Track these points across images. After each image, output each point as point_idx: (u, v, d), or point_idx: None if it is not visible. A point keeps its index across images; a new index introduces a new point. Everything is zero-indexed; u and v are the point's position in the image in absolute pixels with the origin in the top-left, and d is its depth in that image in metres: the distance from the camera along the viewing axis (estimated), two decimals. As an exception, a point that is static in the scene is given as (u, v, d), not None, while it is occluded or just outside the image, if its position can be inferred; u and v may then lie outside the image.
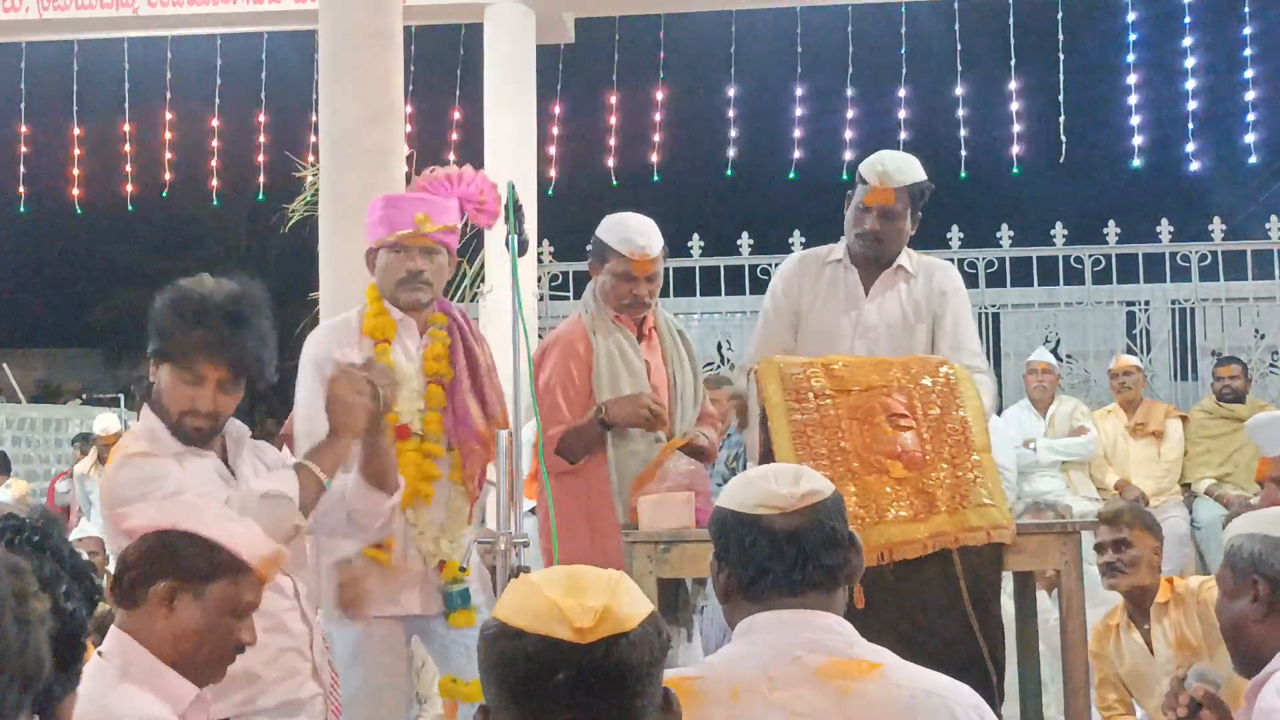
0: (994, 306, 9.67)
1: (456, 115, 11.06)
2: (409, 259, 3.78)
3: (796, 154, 10.97)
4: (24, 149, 11.92)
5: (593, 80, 11.40)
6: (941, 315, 4.08)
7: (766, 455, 3.41)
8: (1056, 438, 7.82)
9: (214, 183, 11.79)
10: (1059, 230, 9.61)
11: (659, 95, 11.11)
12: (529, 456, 4.43)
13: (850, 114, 10.83)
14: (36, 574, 1.39)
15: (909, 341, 4.00)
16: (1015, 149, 10.56)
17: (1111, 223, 9.56)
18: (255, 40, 11.14)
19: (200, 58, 11.35)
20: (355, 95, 6.69)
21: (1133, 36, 10.57)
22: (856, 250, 4.10)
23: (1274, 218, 9.46)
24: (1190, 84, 10.38)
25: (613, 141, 11.10)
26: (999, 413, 8.02)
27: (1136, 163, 10.53)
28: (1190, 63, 10.40)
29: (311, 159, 8.70)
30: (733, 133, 11.17)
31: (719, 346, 10.04)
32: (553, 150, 10.91)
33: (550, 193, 10.65)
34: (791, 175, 11.01)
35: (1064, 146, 10.45)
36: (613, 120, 11.10)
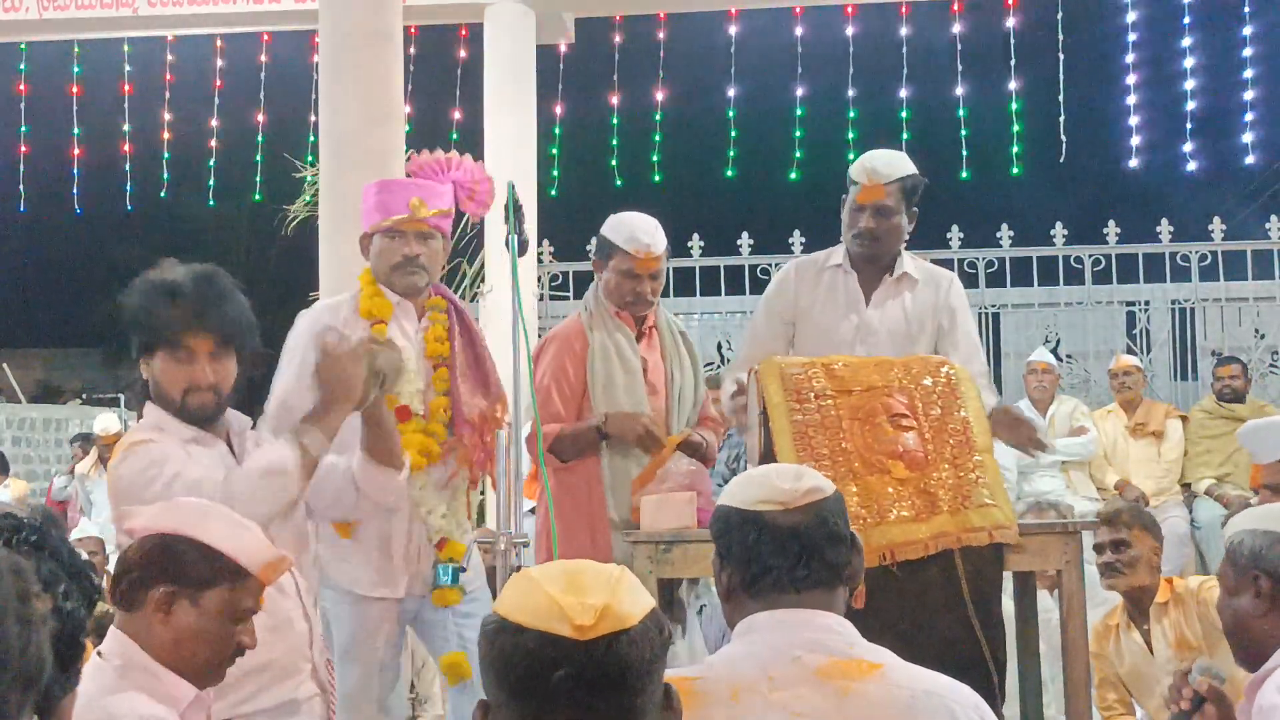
0: (994, 306, 9.67)
1: (456, 115, 11.06)
2: (404, 244, 3.79)
3: (797, 154, 10.98)
4: (24, 149, 11.92)
5: (593, 80, 11.40)
6: (949, 332, 4.08)
7: (767, 456, 3.41)
8: (1056, 438, 7.82)
9: (214, 183, 11.80)
10: (1059, 230, 9.60)
11: (659, 95, 11.11)
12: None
13: (850, 114, 10.83)
14: (36, 574, 1.39)
15: (910, 350, 4.00)
16: (1015, 149, 10.56)
17: (1111, 223, 9.56)
18: (255, 40, 11.14)
19: (200, 58, 11.36)
20: (355, 95, 6.69)
21: (1132, 36, 10.57)
22: (855, 252, 4.09)
23: (1274, 218, 9.46)
24: (1190, 84, 10.39)
25: (613, 141, 11.10)
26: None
27: (1136, 163, 10.54)
28: (1190, 63, 10.41)
29: (311, 159, 8.70)
30: (733, 133, 11.17)
31: (719, 346, 10.03)
32: (554, 151, 10.92)
33: (554, 193, 10.66)
34: (793, 176, 11.01)
35: (1064, 146, 10.46)
36: (613, 120, 11.11)
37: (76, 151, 11.89)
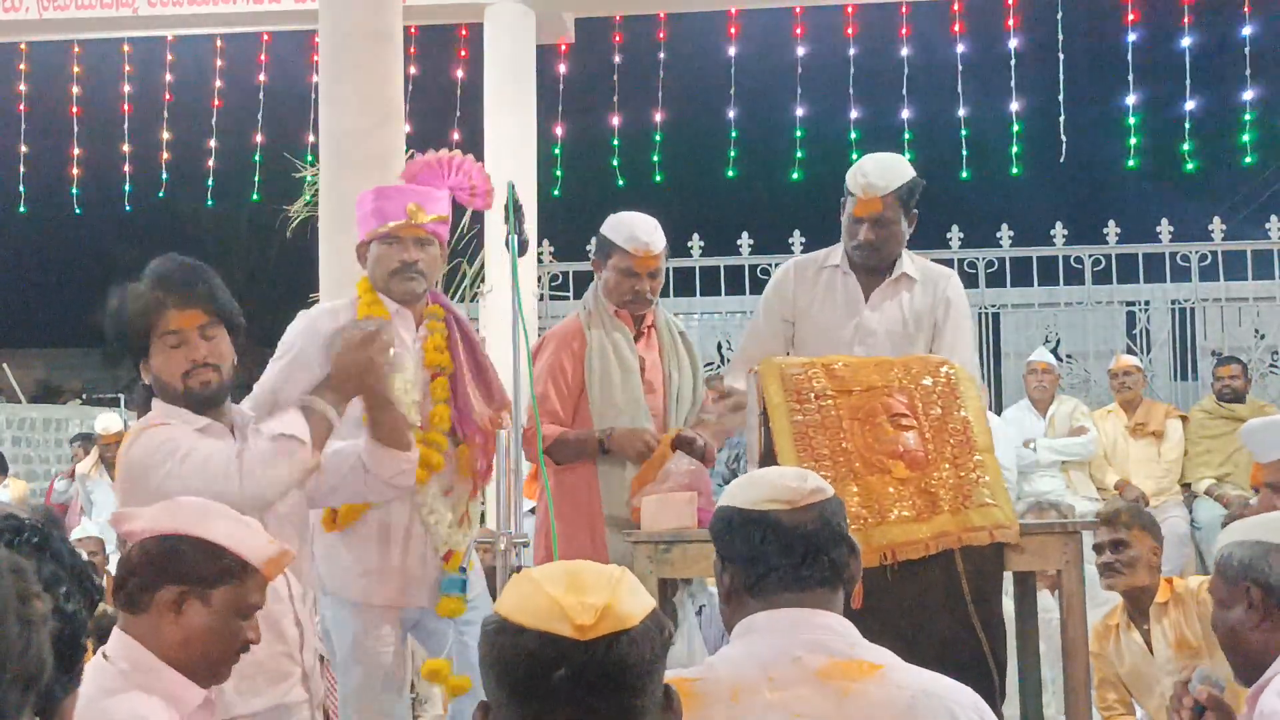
0: (994, 306, 9.67)
1: (456, 115, 11.06)
2: (402, 250, 3.78)
3: (798, 154, 10.98)
4: (24, 149, 11.92)
5: (593, 80, 11.40)
6: (941, 326, 4.07)
7: (767, 456, 3.41)
8: (1056, 438, 7.82)
9: (213, 183, 11.80)
10: (1059, 230, 9.61)
11: (659, 95, 11.12)
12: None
13: (850, 114, 10.83)
14: (37, 575, 1.39)
15: (908, 350, 3.99)
16: (1015, 149, 10.57)
17: (1111, 223, 9.57)
18: (255, 40, 11.14)
19: (200, 58, 11.36)
20: (355, 95, 6.69)
21: (1132, 36, 10.57)
22: (855, 259, 4.09)
23: (1274, 218, 9.46)
24: (1190, 84, 10.39)
25: (614, 142, 11.11)
26: (998, 414, 8.03)
27: (1136, 162, 10.54)
28: (1190, 62, 10.40)
29: (311, 159, 8.71)
30: (733, 133, 11.17)
31: (719, 346, 10.04)
32: (557, 151, 10.93)
33: (557, 193, 10.66)
34: (796, 176, 11.01)
35: (1064, 146, 10.46)
36: (613, 120, 11.11)
37: (76, 151, 11.89)
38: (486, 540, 4.15)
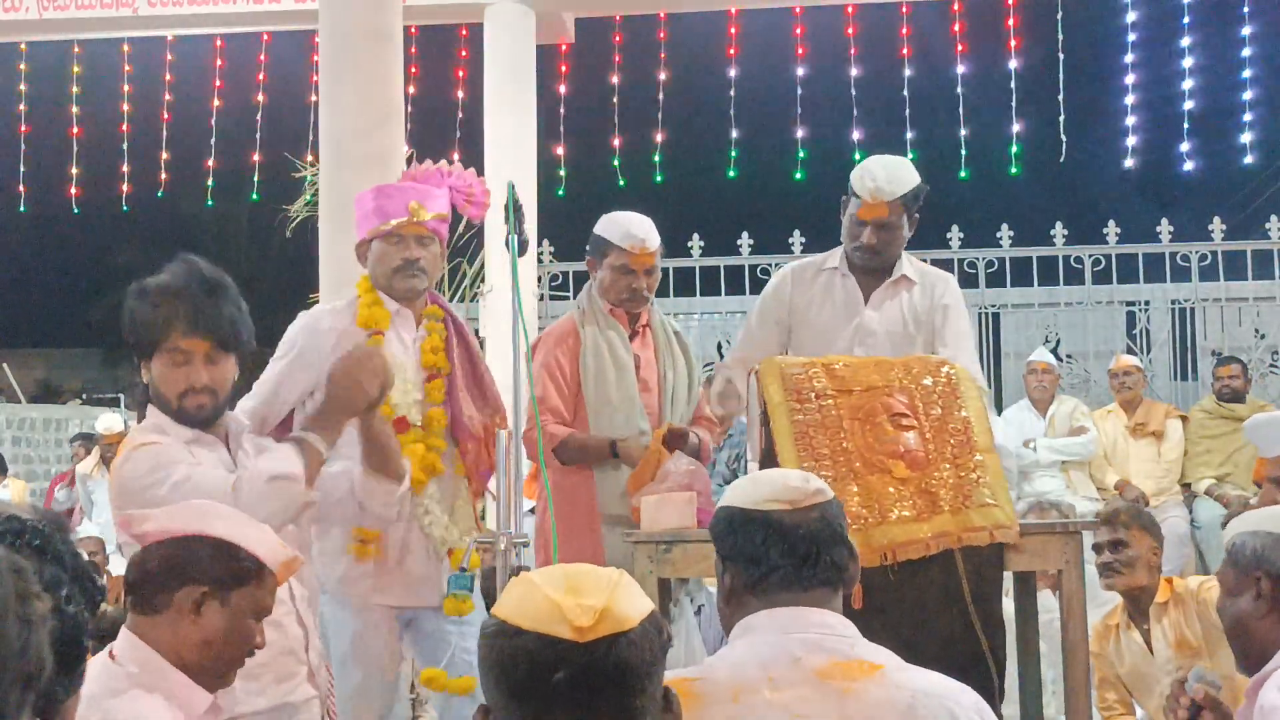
0: (994, 306, 9.67)
1: (457, 115, 11.06)
2: (405, 248, 3.78)
3: (799, 154, 10.98)
4: (24, 149, 11.92)
5: (593, 80, 11.40)
6: (941, 329, 4.08)
7: (768, 456, 3.41)
8: (1056, 438, 7.82)
9: (213, 182, 11.80)
10: (1059, 230, 9.61)
11: (659, 95, 11.12)
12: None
13: (851, 115, 10.84)
14: (38, 576, 1.39)
15: (908, 351, 3.99)
16: (1015, 149, 10.57)
17: (1111, 223, 9.57)
18: (255, 40, 11.14)
19: (200, 58, 11.36)
20: (355, 95, 6.69)
21: (1132, 36, 10.57)
22: (855, 261, 4.09)
23: (1274, 218, 9.46)
24: (1189, 84, 10.39)
25: (615, 142, 11.11)
26: (998, 414, 8.04)
27: (1136, 163, 10.54)
28: (1189, 62, 10.41)
29: (311, 159, 8.70)
30: (734, 133, 11.17)
31: (719, 346, 10.03)
32: (566, 150, 10.94)
33: (562, 192, 10.67)
34: (796, 176, 11.02)
35: (1064, 146, 10.46)
36: (613, 121, 11.11)
37: (76, 151, 11.89)
38: (486, 540, 4.14)
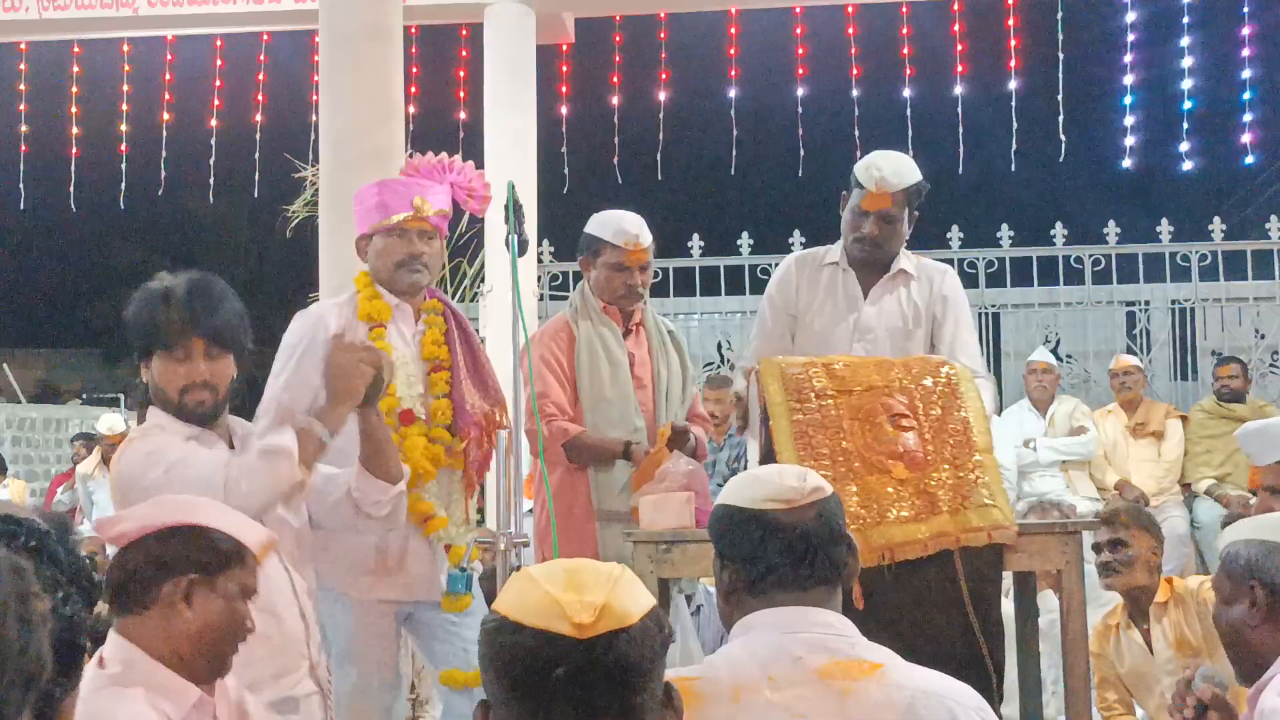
0: (994, 306, 9.67)
1: (457, 115, 11.06)
2: (408, 242, 3.78)
3: (799, 154, 10.98)
4: (24, 148, 11.92)
5: (593, 80, 11.40)
6: (942, 321, 4.08)
7: (768, 455, 3.41)
8: (1056, 438, 7.82)
9: (214, 182, 11.80)
10: (1059, 230, 9.61)
11: (660, 96, 11.11)
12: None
13: (851, 115, 10.83)
14: (34, 577, 1.39)
15: (907, 346, 4.00)
16: (1015, 148, 10.57)
17: (1111, 223, 9.57)
18: (255, 40, 11.14)
19: (200, 58, 11.36)
20: (355, 95, 6.69)
21: (1132, 36, 10.57)
22: (854, 254, 4.09)
23: (1274, 218, 9.46)
24: (1189, 83, 10.39)
25: (614, 142, 11.11)
26: (999, 413, 8.04)
27: (1136, 163, 10.54)
28: (1189, 62, 10.41)
29: (311, 159, 8.70)
30: (734, 133, 11.17)
31: (719, 346, 10.04)
32: (565, 150, 10.93)
33: (565, 191, 10.66)
34: (797, 175, 11.02)
35: (1063, 146, 10.46)
36: (613, 120, 11.11)
37: (76, 152, 11.89)
38: (486, 540, 4.14)
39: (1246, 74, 10.42)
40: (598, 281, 4.30)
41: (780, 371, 3.50)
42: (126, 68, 11.61)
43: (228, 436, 3.10)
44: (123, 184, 11.89)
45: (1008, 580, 3.71)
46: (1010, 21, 10.31)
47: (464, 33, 10.70)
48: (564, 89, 11.01)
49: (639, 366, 4.30)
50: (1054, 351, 9.09)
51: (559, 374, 4.24)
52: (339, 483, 3.25)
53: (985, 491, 3.36)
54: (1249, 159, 10.65)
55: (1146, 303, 9.62)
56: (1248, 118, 10.40)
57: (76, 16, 10.33)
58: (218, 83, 11.49)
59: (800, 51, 10.76)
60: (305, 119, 10.05)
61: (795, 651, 1.94)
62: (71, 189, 11.88)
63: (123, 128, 11.80)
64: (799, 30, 10.65)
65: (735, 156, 11.29)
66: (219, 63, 11.38)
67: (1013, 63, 10.42)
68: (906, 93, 10.72)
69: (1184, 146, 10.47)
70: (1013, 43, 10.37)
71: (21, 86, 11.69)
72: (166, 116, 11.69)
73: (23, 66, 11.55)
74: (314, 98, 8.48)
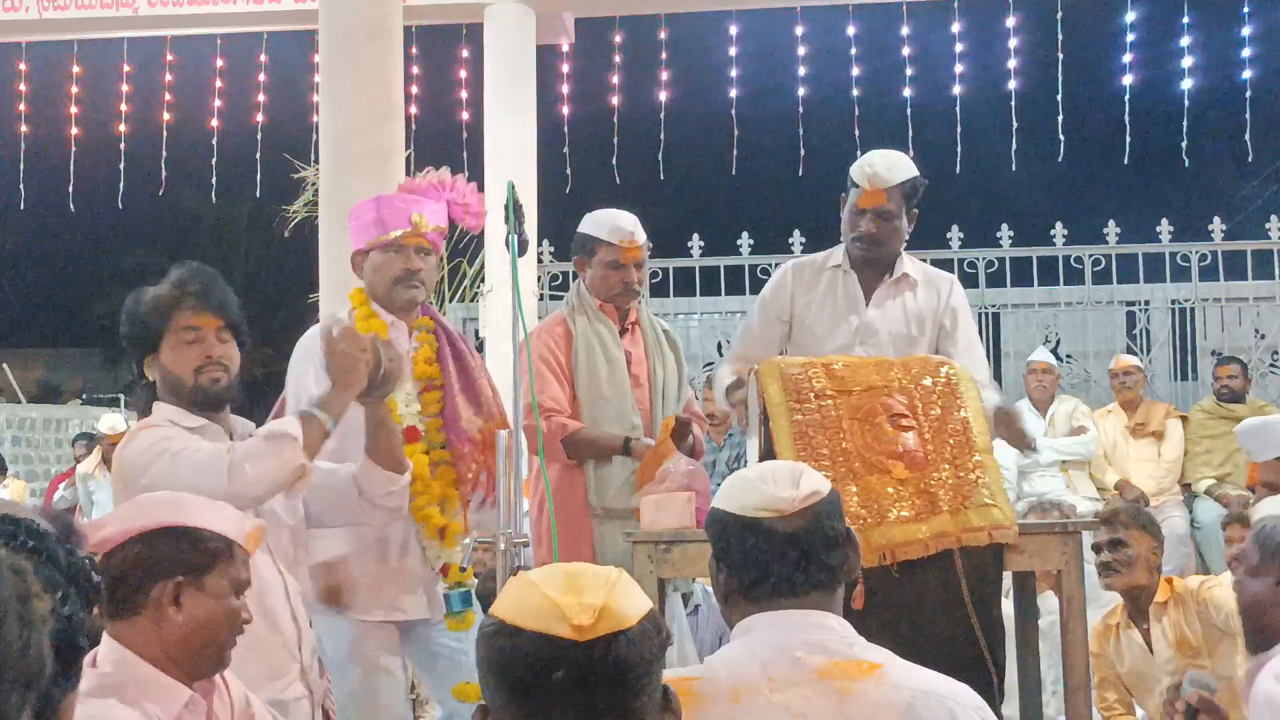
0: (994, 306, 9.67)
1: (457, 115, 11.06)
2: (406, 258, 3.79)
3: (799, 154, 10.98)
4: (24, 148, 11.92)
5: (593, 81, 11.40)
6: (952, 332, 4.09)
7: (767, 456, 3.41)
8: (1056, 438, 7.82)
9: (214, 182, 11.80)
10: (1059, 230, 9.61)
11: (660, 96, 11.11)
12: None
13: (852, 115, 10.83)
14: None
15: (910, 351, 4.00)
16: (1015, 148, 10.56)
17: (1111, 223, 9.57)
18: (255, 40, 11.14)
19: (200, 58, 11.36)
20: (355, 95, 6.70)
21: (1131, 36, 10.57)
22: (855, 254, 4.09)
23: (1274, 218, 9.46)
24: (1189, 83, 10.39)
25: (614, 141, 11.11)
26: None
27: (1136, 162, 10.53)
28: (1189, 62, 10.40)
29: (313, 159, 8.71)
30: (734, 133, 11.17)
31: (719, 346, 10.03)
32: (565, 150, 10.93)
33: (566, 191, 10.67)
34: (797, 175, 11.02)
35: (1063, 146, 10.46)
36: (613, 121, 11.11)
37: (76, 152, 11.89)
38: (486, 540, 4.14)
39: (1247, 74, 10.42)
40: (593, 280, 4.31)
41: (780, 372, 3.50)
42: (126, 68, 11.61)
43: (230, 434, 3.10)
44: (121, 184, 11.89)
45: (1007, 580, 3.71)
46: (1010, 21, 10.32)
47: (464, 33, 10.70)
48: (564, 89, 11.01)
49: (635, 365, 4.31)
50: (1054, 351, 9.09)
51: (556, 371, 4.24)
52: (339, 476, 3.25)
53: (985, 491, 3.36)
54: (1249, 159, 10.65)
55: (1146, 303, 9.62)
56: (1249, 117, 10.40)
57: (76, 16, 10.33)
58: (218, 83, 11.49)
59: (800, 51, 10.76)
60: (306, 119, 10.06)
61: (795, 652, 1.94)
62: (71, 189, 11.88)
63: (122, 128, 11.80)
64: (799, 30, 10.65)
65: (735, 156, 11.29)
66: (219, 63, 11.38)
67: (1013, 63, 10.42)
68: (906, 93, 10.72)
69: (1184, 146, 10.46)
70: (1013, 43, 10.37)
71: (21, 86, 11.69)
72: (166, 116, 11.69)
73: (23, 66, 11.55)
74: (314, 98, 8.48)
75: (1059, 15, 10.38)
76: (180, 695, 2.37)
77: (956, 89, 10.63)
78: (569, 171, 11.08)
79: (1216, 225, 9.47)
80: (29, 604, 1.31)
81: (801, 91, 10.96)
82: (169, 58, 11.35)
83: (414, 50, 10.33)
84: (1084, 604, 3.46)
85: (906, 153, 4.18)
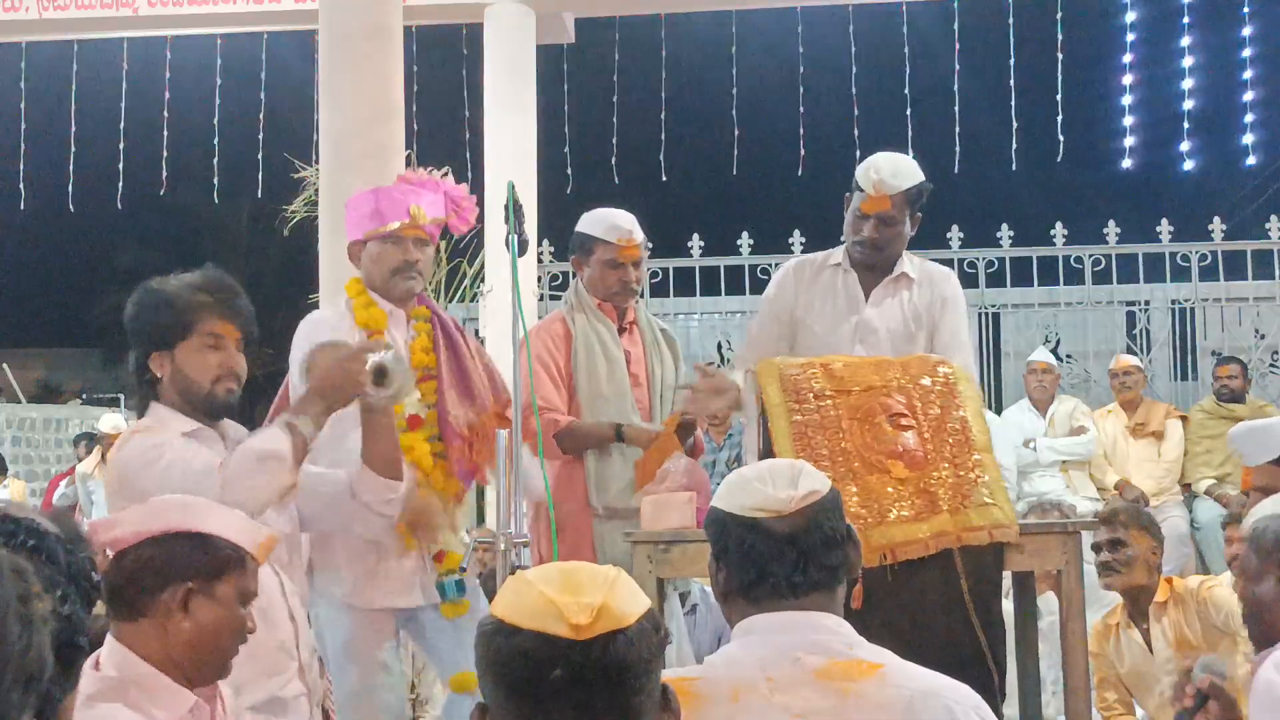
0: (994, 306, 9.67)
1: (457, 115, 11.06)
2: (404, 250, 3.79)
3: (800, 153, 10.99)
4: (24, 148, 11.92)
5: (593, 81, 11.41)
6: (939, 321, 4.08)
7: (766, 456, 3.41)
8: (1056, 438, 7.82)
9: (214, 182, 11.80)
10: (1059, 230, 9.61)
11: (660, 96, 11.12)
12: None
13: (851, 114, 10.84)
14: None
15: (909, 349, 4.00)
16: (1015, 148, 10.57)
17: (1111, 223, 9.57)
18: (255, 40, 11.14)
19: (200, 58, 11.36)
20: (355, 95, 6.70)
21: (1131, 36, 10.58)
22: (856, 257, 4.09)
23: (1274, 218, 9.45)
24: (1189, 84, 10.40)
25: (613, 141, 11.11)
26: (998, 414, 8.04)
27: (1136, 163, 10.55)
28: (1189, 62, 10.41)
29: (314, 159, 8.71)
30: (734, 133, 11.17)
31: (719, 346, 10.03)
32: (566, 150, 10.94)
33: (570, 191, 10.67)
34: (797, 175, 11.03)
35: (1061, 146, 10.46)
36: (613, 121, 11.12)
37: (76, 152, 11.89)
38: (486, 540, 4.14)
39: (1247, 74, 10.42)
40: (591, 279, 4.31)
41: (778, 372, 3.50)
42: (126, 68, 11.61)
43: (223, 437, 3.10)
44: (124, 184, 11.89)
45: (1007, 580, 3.71)
46: (1010, 21, 10.32)
47: (464, 32, 10.70)
48: (564, 89, 11.01)
49: (634, 364, 4.31)
50: (1054, 351, 9.08)
51: (552, 371, 4.24)
52: (329, 480, 3.24)
53: (985, 490, 3.36)
54: (1249, 159, 10.66)
55: (1146, 303, 9.62)
56: (1248, 118, 10.41)
57: (76, 16, 10.33)
58: (218, 82, 11.49)
59: (800, 51, 10.76)
60: (305, 119, 10.05)
61: (794, 653, 1.94)
62: (71, 189, 11.88)
63: (122, 127, 11.80)
64: (799, 30, 10.65)
65: (735, 156, 11.29)
66: (219, 62, 11.38)
67: (1013, 62, 10.42)
68: (906, 92, 10.73)
69: (1184, 146, 10.47)
70: (1013, 43, 10.38)
71: (21, 86, 11.69)
72: (166, 116, 11.69)
73: (23, 66, 11.55)
74: (314, 97, 8.48)
75: (1059, 15, 10.39)
76: (185, 700, 2.36)
77: (956, 89, 10.64)
78: (569, 171, 11.08)
79: (1216, 225, 9.47)
80: (30, 604, 1.32)
81: (801, 91, 10.97)
82: (169, 57, 11.35)
83: (414, 50, 10.34)
84: (1084, 604, 3.46)
85: (906, 152, 4.17)
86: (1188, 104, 10.40)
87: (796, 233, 9.52)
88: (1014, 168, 10.69)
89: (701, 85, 13.14)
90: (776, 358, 3.69)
